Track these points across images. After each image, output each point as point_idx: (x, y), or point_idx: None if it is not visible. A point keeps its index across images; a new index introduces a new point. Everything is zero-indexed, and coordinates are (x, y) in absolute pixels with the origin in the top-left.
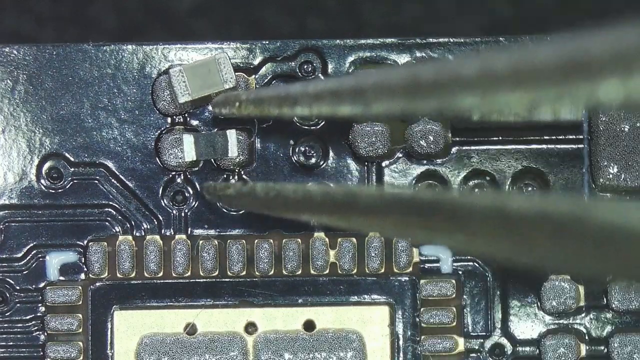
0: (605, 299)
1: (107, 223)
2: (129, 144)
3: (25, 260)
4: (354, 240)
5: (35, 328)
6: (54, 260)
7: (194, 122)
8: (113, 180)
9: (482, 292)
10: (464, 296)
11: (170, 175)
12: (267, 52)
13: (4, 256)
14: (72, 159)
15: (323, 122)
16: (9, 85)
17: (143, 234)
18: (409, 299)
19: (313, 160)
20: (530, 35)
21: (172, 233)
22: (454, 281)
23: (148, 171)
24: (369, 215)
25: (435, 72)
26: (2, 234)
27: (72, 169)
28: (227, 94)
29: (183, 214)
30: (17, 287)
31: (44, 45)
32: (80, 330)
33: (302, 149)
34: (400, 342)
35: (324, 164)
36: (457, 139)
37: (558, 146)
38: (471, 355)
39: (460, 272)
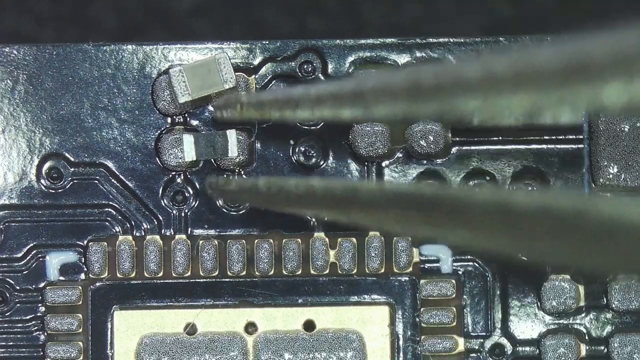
0: (605, 299)
1: (107, 223)
2: (129, 144)
3: (25, 260)
4: (354, 240)
5: (35, 328)
6: (54, 260)
7: (194, 122)
8: (113, 180)
9: (482, 292)
10: (464, 296)
11: (170, 175)
12: (267, 52)
13: (4, 256)
14: (72, 159)
15: (323, 122)
16: (9, 85)
17: (143, 234)
18: (409, 299)
19: (313, 160)
20: (530, 35)
21: (172, 233)
22: (454, 281)
23: (148, 171)
24: (370, 210)
25: (436, 75)
26: (2, 234)
27: (72, 169)
28: (228, 97)
29: (183, 214)
30: (17, 287)
31: (44, 45)
32: (80, 330)
33: (302, 149)
34: (400, 342)
35: (324, 164)
36: (457, 139)
37: (558, 146)
38: (471, 355)
39: (460, 272)
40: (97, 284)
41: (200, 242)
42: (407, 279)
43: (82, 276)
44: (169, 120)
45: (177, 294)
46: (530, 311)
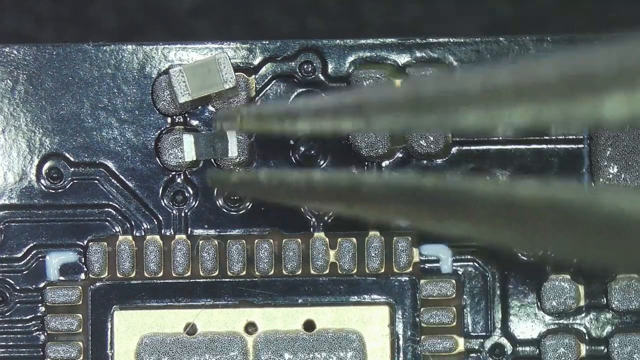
0: (605, 299)
1: (107, 223)
2: (129, 144)
3: (25, 260)
4: (354, 240)
5: (35, 328)
6: (54, 260)
7: (194, 122)
8: (113, 180)
9: (482, 292)
10: (464, 296)
11: (170, 175)
12: (267, 52)
13: (4, 256)
14: (72, 159)
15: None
16: (9, 85)
17: (143, 234)
18: (409, 299)
19: (313, 160)
20: (530, 35)
21: (172, 233)
22: (454, 281)
23: (148, 171)
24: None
25: (437, 88)
26: (2, 234)
27: (72, 169)
28: (228, 110)
29: (183, 214)
30: (17, 287)
31: (44, 45)
32: (80, 330)
33: (302, 149)
34: (400, 342)
35: (324, 164)
36: (457, 139)
37: (558, 146)
38: (471, 355)
39: (460, 272)
40: (97, 284)
41: (200, 242)
42: (407, 279)
43: (82, 276)
44: (169, 120)
45: (177, 294)
46: (530, 311)
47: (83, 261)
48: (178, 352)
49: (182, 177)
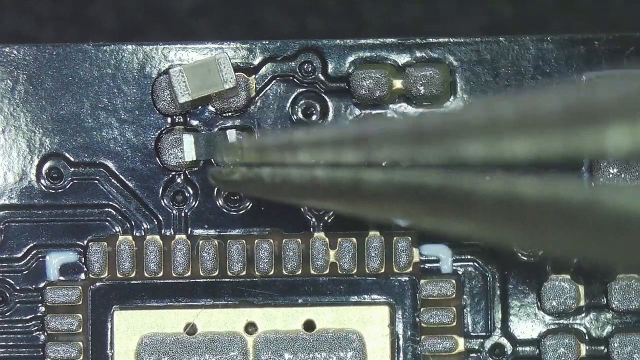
0: (605, 299)
1: (107, 223)
2: (129, 144)
3: (25, 260)
4: (354, 240)
5: (35, 328)
6: (54, 260)
7: (194, 122)
8: (113, 180)
9: (482, 292)
10: (464, 296)
11: (170, 175)
12: (267, 52)
13: (4, 256)
14: (72, 159)
15: (324, 123)
16: (9, 85)
17: (143, 234)
18: (409, 299)
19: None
20: (530, 35)
21: (172, 233)
22: (454, 281)
23: (148, 171)
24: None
25: (440, 121)
26: (2, 234)
27: (72, 169)
28: (230, 143)
29: (183, 214)
30: (17, 287)
31: (44, 45)
32: (80, 330)
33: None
34: (400, 342)
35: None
36: None
37: None
38: (471, 355)
39: (460, 272)
40: (97, 284)
41: (200, 242)
42: (407, 279)
43: (82, 276)
44: (169, 120)
45: (177, 294)
46: (530, 311)
47: (83, 261)
48: (178, 352)
49: (182, 177)
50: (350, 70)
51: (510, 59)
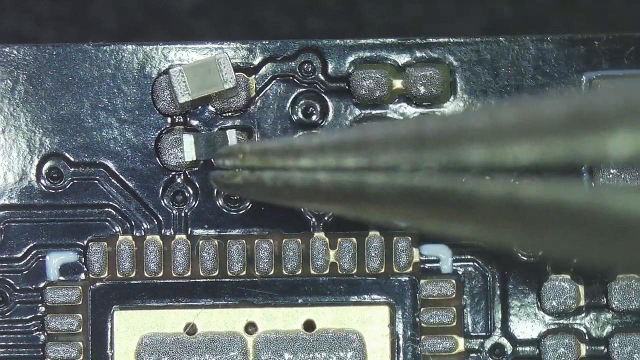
0: (605, 299)
1: (107, 223)
2: (129, 144)
3: (25, 260)
4: (354, 240)
5: (35, 328)
6: (54, 260)
7: (194, 122)
8: (113, 180)
9: (482, 292)
10: (464, 296)
11: (170, 175)
12: (267, 52)
13: (4, 256)
14: (72, 159)
15: (324, 123)
16: (9, 85)
17: (143, 234)
18: (409, 299)
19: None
20: (530, 35)
21: (172, 233)
22: (454, 281)
23: (148, 171)
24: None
25: (442, 126)
26: (2, 234)
27: (72, 169)
28: (231, 147)
29: (183, 214)
30: (17, 287)
31: (44, 45)
32: (80, 330)
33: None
34: (400, 342)
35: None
36: None
37: None
38: (471, 355)
39: (460, 272)
40: (97, 284)
41: (200, 242)
42: (407, 279)
43: (82, 276)
44: (169, 120)
45: (177, 294)
46: (530, 311)
47: (83, 261)
48: (178, 352)
49: (182, 177)
50: (350, 70)
51: (510, 59)
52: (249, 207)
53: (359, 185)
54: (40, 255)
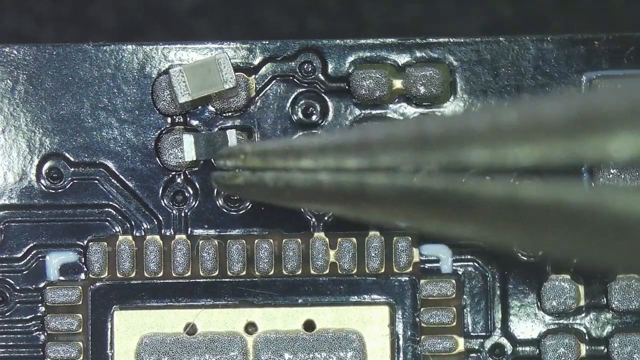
0: (605, 299)
1: (107, 223)
2: (129, 144)
3: (25, 260)
4: (354, 240)
5: (35, 328)
6: (54, 260)
7: (194, 122)
8: (113, 180)
9: (482, 292)
10: (464, 296)
11: (170, 175)
12: (267, 52)
13: (4, 256)
14: (72, 159)
15: (324, 122)
16: (9, 85)
17: (143, 234)
18: (409, 299)
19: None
20: (530, 35)
21: (172, 233)
22: (454, 281)
23: (148, 171)
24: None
25: (443, 127)
26: (2, 234)
27: (72, 169)
28: (232, 147)
29: (183, 214)
30: (17, 287)
31: (44, 45)
32: (80, 330)
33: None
34: (400, 342)
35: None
36: None
37: None
38: (471, 355)
39: (460, 272)
40: (97, 284)
41: (200, 242)
42: (407, 279)
43: (82, 276)
44: (169, 120)
45: (177, 294)
46: (530, 311)
47: (83, 261)
48: (178, 352)
49: (182, 177)
50: (350, 70)
51: (510, 59)
52: (249, 207)
53: (360, 185)
54: (40, 255)
